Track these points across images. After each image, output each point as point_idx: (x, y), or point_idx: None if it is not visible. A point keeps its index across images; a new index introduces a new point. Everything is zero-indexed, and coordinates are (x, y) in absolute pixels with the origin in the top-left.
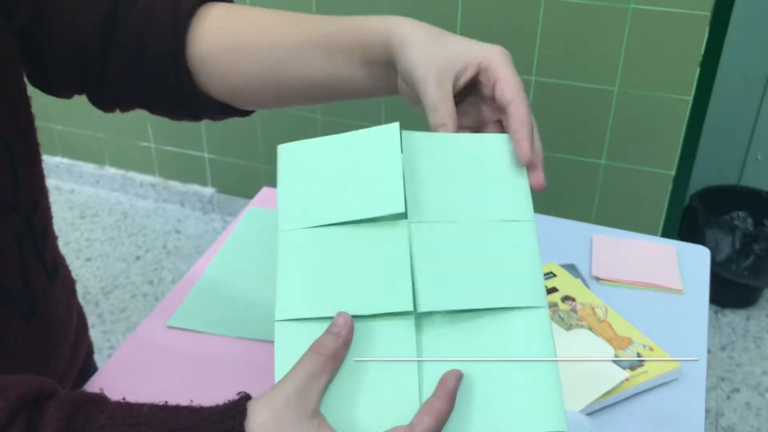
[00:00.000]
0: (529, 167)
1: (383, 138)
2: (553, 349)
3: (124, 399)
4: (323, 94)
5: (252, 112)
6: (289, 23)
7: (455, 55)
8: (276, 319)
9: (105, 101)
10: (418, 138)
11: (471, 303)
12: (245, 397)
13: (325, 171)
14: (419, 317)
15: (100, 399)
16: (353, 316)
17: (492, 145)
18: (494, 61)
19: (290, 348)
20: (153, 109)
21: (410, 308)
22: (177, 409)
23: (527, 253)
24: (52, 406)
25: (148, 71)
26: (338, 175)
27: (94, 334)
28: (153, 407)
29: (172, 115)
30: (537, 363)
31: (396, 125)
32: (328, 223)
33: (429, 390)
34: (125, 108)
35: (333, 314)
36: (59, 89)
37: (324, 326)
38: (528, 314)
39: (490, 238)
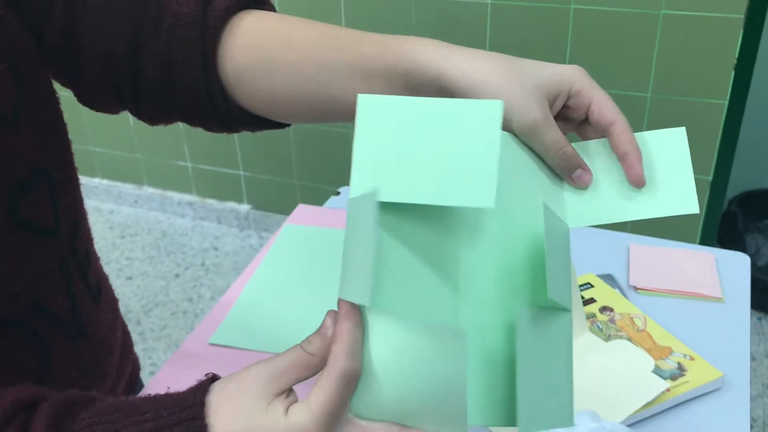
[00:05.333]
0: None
1: (484, 114)
2: (571, 352)
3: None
4: None
5: (290, 124)
6: (325, 41)
7: (543, 84)
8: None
9: (146, 116)
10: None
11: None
12: (214, 378)
13: (411, 137)
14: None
15: (90, 399)
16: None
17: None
18: (584, 83)
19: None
20: (191, 122)
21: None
22: (154, 396)
23: (567, 254)
24: (45, 406)
25: (180, 88)
26: (424, 147)
27: (136, 351)
28: (134, 398)
29: (209, 128)
30: (553, 361)
31: (500, 103)
32: (405, 201)
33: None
34: (167, 121)
35: None
36: (103, 106)
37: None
38: (558, 315)
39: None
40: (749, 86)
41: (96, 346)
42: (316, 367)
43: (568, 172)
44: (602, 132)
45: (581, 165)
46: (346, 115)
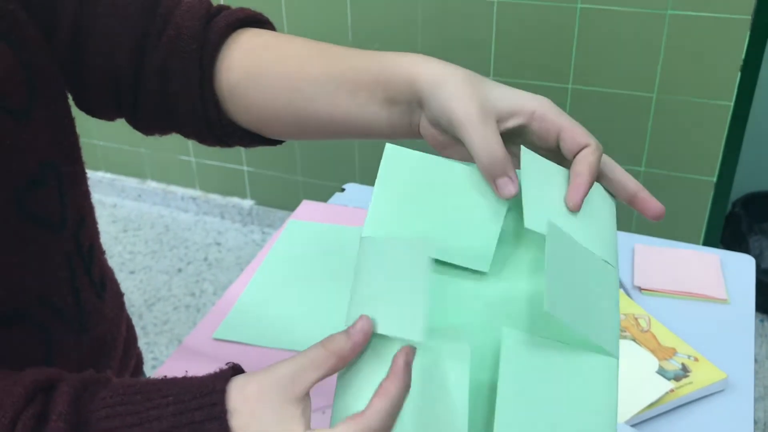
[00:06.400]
0: (638, 198)
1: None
2: (615, 407)
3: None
4: (344, 131)
5: (282, 141)
6: (316, 56)
7: (498, 99)
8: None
9: (142, 125)
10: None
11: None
12: (234, 368)
13: (426, 192)
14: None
15: (106, 379)
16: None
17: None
18: (550, 110)
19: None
20: (186, 134)
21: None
22: (173, 378)
23: (611, 298)
24: (64, 385)
25: (176, 99)
26: (436, 202)
27: (139, 345)
28: (151, 379)
29: (203, 141)
30: (596, 411)
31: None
32: None
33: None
34: (162, 132)
35: None
36: (100, 113)
37: None
38: (601, 359)
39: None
40: (755, 88)
41: (99, 340)
42: (334, 367)
43: (492, 177)
44: (570, 156)
45: (507, 173)
46: (329, 130)
